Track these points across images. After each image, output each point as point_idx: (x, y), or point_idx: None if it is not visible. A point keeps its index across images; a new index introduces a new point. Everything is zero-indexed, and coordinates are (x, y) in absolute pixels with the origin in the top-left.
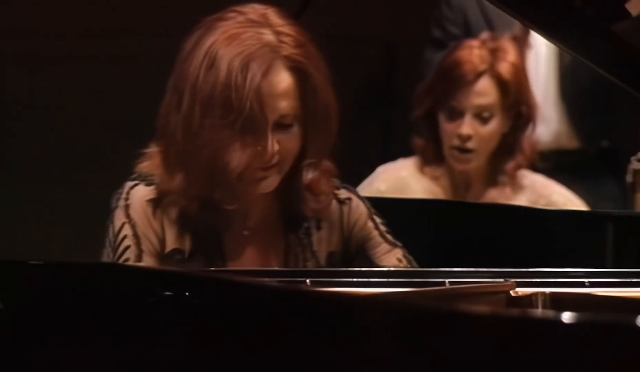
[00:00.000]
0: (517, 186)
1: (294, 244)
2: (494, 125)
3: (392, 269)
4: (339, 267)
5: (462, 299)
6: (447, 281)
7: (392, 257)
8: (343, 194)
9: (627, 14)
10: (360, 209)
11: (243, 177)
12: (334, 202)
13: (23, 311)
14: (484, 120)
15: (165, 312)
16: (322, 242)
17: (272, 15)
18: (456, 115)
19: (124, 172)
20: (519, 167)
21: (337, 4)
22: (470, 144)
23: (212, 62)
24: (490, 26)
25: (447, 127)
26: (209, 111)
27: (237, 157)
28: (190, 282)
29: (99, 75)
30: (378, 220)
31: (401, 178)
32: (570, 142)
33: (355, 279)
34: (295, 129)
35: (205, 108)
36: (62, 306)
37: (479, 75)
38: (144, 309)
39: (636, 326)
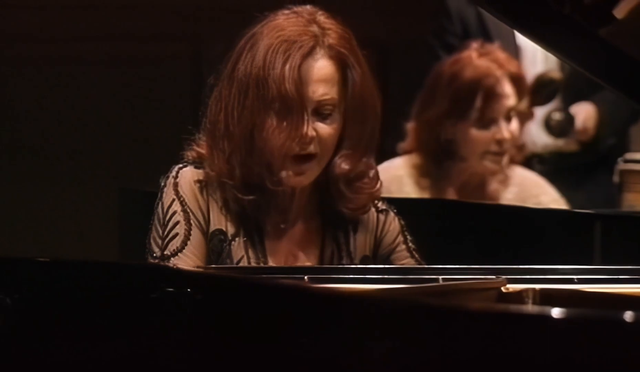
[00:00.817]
0: (507, 181)
1: (330, 241)
2: (516, 124)
3: (387, 266)
4: None
5: (455, 295)
6: (440, 277)
7: None
8: (382, 205)
9: (613, 18)
10: (394, 222)
11: (279, 166)
12: (372, 210)
13: (29, 307)
14: (509, 120)
15: (168, 308)
16: (359, 245)
17: (321, 14)
18: (489, 123)
19: (123, 173)
20: (513, 161)
21: (332, 9)
22: (506, 146)
23: (252, 45)
24: (488, 36)
25: (480, 136)
26: (247, 90)
27: (275, 137)
28: (191, 280)
29: (101, 79)
30: (408, 237)
31: (398, 177)
32: (569, 145)
33: (352, 276)
34: (335, 120)
35: (242, 86)
36: (67, 302)
37: (500, 80)
38: (147, 305)
39: (623, 320)
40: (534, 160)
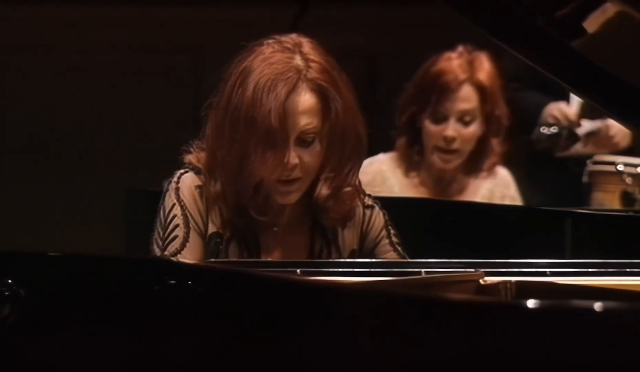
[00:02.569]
0: (487, 175)
1: (319, 237)
2: (474, 128)
3: (374, 260)
4: None
5: (436, 287)
6: (423, 270)
7: None
8: (368, 201)
9: (584, 31)
10: (379, 217)
11: (267, 188)
12: (359, 205)
13: (41, 297)
14: (466, 124)
15: (171, 299)
16: (347, 240)
17: (305, 44)
18: (441, 119)
19: (130, 174)
20: (494, 165)
21: (324, 21)
22: (454, 145)
23: (243, 80)
24: None
25: (432, 129)
26: (238, 124)
27: (261, 167)
28: (192, 273)
29: (112, 87)
30: (392, 231)
31: (382, 171)
32: (601, 150)
33: (341, 269)
34: (316, 146)
35: (234, 120)
36: (76, 293)
37: (461, 83)
38: (151, 296)
39: (593, 310)
40: (571, 163)
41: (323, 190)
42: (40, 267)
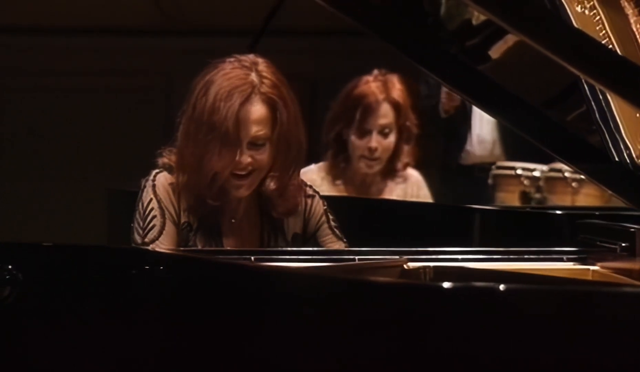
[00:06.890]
0: (402, 178)
1: (267, 224)
2: (391, 139)
3: (315, 249)
4: (299, 247)
5: (367, 272)
6: (356, 258)
7: (336, 247)
8: (309, 191)
9: (489, 57)
10: (319, 205)
11: (222, 180)
12: (302, 195)
13: (36, 281)
14: (385, 135)
15: (145, 282)
16: (290, 225)
17: (261, 63)
18: (365, 133)
19: (111, 175)
20: (406, 165)
21: (271, 49)
22: (376, 154)
23: (206, 91)
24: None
25: (357, 143)
26: (200, 127)
27: (217, 162)
28: (164, 260)
29: (96, 104)
30: (331, 217)
31: (313, 180)
32: (501, 158)
33: (287, 257)
34: (266, 148)
35: (198, 124)
36: (65, 277)
37: (380, 102)
38: (129, 279)
39: (498, 290)
40: (475, 169)
41: (270, 185)
42: (35, 255)
